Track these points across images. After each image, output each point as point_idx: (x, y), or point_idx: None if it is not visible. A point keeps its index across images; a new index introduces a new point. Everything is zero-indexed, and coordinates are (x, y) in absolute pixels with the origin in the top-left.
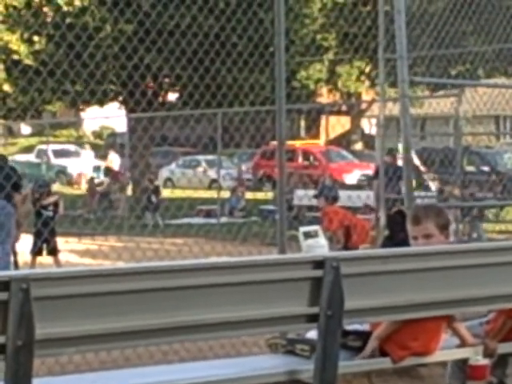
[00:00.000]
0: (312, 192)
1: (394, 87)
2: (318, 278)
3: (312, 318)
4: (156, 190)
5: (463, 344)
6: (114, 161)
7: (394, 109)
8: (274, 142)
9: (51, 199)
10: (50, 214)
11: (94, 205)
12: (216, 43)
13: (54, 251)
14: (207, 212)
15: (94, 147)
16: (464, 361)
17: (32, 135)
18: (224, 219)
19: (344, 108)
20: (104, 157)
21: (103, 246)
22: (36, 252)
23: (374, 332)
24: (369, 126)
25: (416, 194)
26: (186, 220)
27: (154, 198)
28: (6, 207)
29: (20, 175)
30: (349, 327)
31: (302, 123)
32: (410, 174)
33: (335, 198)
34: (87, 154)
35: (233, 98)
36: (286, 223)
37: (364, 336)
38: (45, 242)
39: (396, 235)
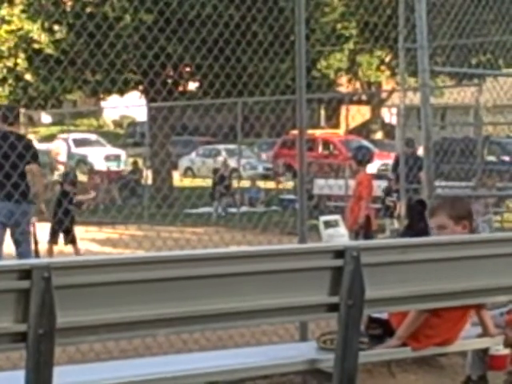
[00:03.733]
0: (332, 181)
1: (414, 77)
2: (339, 267)
3: (332, 308)
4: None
5: (485, 333)
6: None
7: (414, 98)
8: (295, 132)
9: (88, 196)
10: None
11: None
12: (236, 32)
13: (72, 240)
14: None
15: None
16: (484, 351)
17: (53, 124)
18: (244, 208)
19: (364, 97)
20: (124, 146)
21: (124, 234)
22: (52, 241)
23: (397, 332)
24: (389, 115)
25: (437, 183)
26: (206, 209)
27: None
28: (20, 206)
29: (35, 148)
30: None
31: (323, 112)
32: (431, 164)
33: (368, 161)
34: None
35: (253, 87)
36: (306, 212)
37: (384, 324)
38: (64, 231)
39: (416, 225)
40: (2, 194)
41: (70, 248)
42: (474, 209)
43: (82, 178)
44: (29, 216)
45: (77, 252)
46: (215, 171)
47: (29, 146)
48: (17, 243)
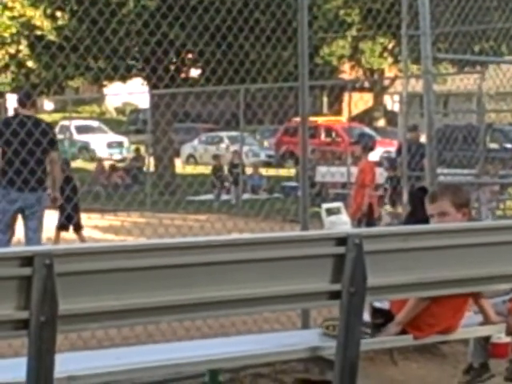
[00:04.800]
0: (334, 169)
1: (417, 64)
2: (341, 254)
3: (334, 295)
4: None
5: (486, 321)
6: None
7: (417, 85)
8: (297, 119)
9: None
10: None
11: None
12: (239, 19)
13: (77, 227)
14: (229, 188)
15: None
16: (486, 338)
17: (55, 111)
18: (246, 196)
19: (367, 84)
20: (126, 133)
21: (126, 221)
22: (60, 227)
23: (397, 317)
24: (391, 102)
25: (439, 171)
26: (208, 196)
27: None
28: (36, 193)
29: (55, 133)
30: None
31: (325, 100)
32: (433, 151)
33: (371, 148)
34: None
35: (256, 74)
36: (308, 200)
37: (386, 313)
38: (67, 218)
39: (418, 212)
40: (19, 182)
41: (73, 235)
42: (477, 197)
43: (83, 165)
44: (45, 204)
45: (81, 239)
46: (215, 157)
47: (47, 131)
48: (29, 230)
